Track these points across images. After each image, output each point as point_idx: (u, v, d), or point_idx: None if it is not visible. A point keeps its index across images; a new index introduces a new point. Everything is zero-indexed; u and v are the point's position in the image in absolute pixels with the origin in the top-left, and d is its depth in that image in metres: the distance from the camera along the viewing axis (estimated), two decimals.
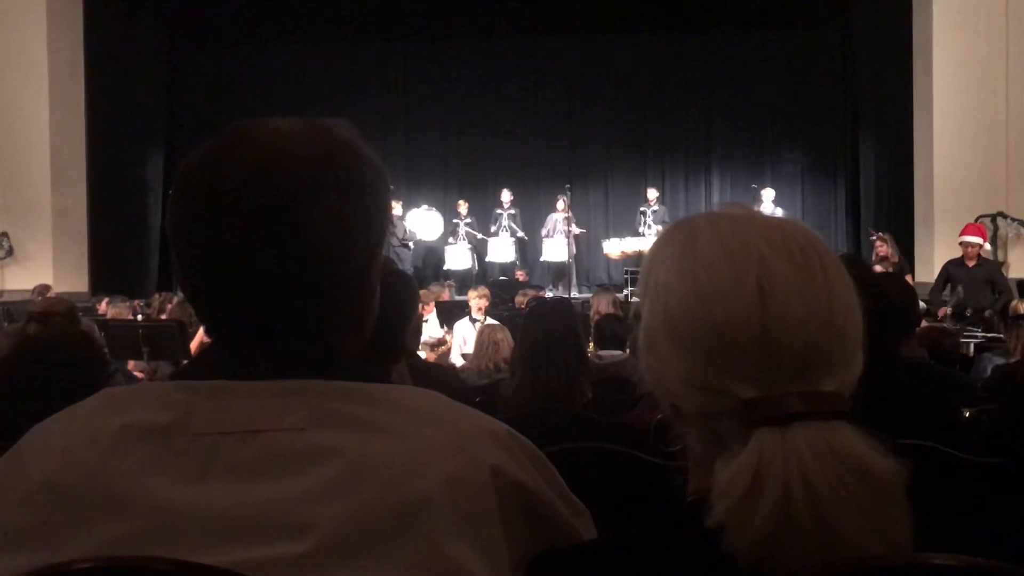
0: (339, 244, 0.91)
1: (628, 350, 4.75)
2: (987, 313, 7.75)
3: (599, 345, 4.87)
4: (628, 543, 0.89)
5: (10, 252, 11.50)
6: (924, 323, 5.32)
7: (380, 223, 0.97)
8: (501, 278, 12.63)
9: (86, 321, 6.41)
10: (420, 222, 13.13)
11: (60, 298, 6.61)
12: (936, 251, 10.28)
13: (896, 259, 9.27)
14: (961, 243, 8.55)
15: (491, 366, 5.04)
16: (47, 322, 3.92)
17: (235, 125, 0.94)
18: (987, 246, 8.76)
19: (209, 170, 0.91)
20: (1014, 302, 5.51)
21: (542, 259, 13.24)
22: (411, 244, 12.83)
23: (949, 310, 8.11)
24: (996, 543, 0.85)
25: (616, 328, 4.88)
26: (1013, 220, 10.46)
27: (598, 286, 11.54)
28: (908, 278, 7.45)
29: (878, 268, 8.22)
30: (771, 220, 0.91)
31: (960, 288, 8.41)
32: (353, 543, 0.80)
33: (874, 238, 9.92)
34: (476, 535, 0.84)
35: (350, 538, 0.81)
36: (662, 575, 0.85)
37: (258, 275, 0.89)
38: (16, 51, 11.44)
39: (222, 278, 0.90)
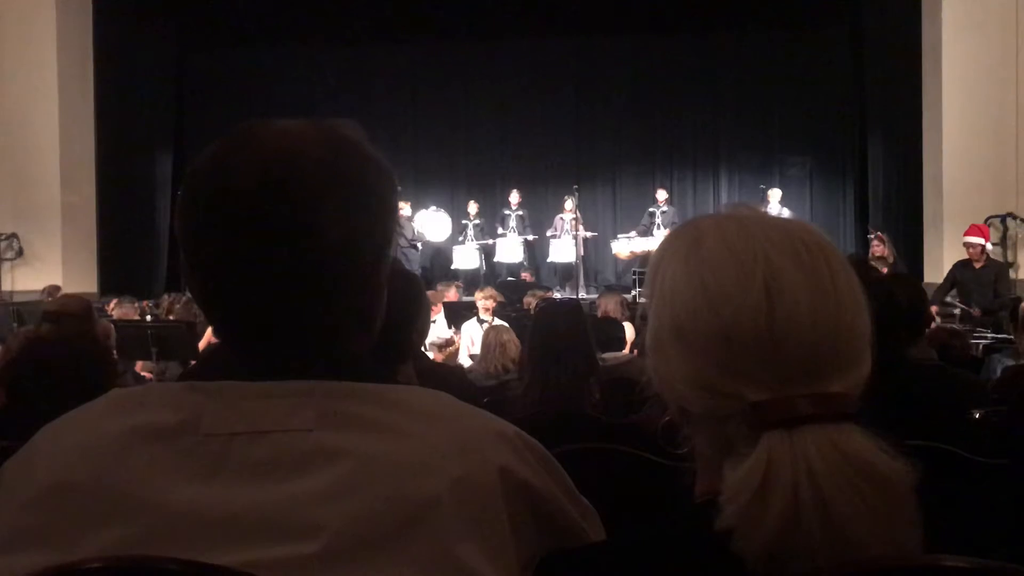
0: (347, 245, 0.91)
1: (635, 351, 4.75)
2: (974, 311, 7.74)
3: (601, 348, 4.86)
4: (637, 545, 0.89)
5: (20, 253, 11.54)
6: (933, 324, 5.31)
7: (387, 224, 0.97)
8: (509, 279, 12.63)
9: (103, 322, 6.43)
10: (428, 223, 13.14)
11: (75, 297, 6.59)
12: (945, 252, 10.24)
13: (892, 259, 9.27)
14: (964, 244, 8.56)
15: (499, 368, 5.04)
16: (60, 322, 3.92)
17: (242, 127, 0.94)
18: (989, 246, 8.73)
19: (217, 172, 0.91)
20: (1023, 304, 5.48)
21: (549, 260, 13.24)
22: (419, 245, 12.84)
23: (939, 308, 8.12)
24: (1006, 544, 0.85)
25: (611, 331, 4.86)
26: (1023, 221, 10.42)
27: (605, 287, 11.54)
28: None
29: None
30: (777, 221, 0.91)
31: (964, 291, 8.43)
32: (361, 543, 0.81)
33: (871, 236, 9.93)
34: (484, 536, 0.84)
35: (358, 538, 0.81)
36: None
37: (266, 276, 0.89)
38: (26, 52, 11.48)
39: (230, 280, 0.90)
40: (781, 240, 0.87)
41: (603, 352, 4.70)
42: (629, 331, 6.07)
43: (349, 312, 0.95)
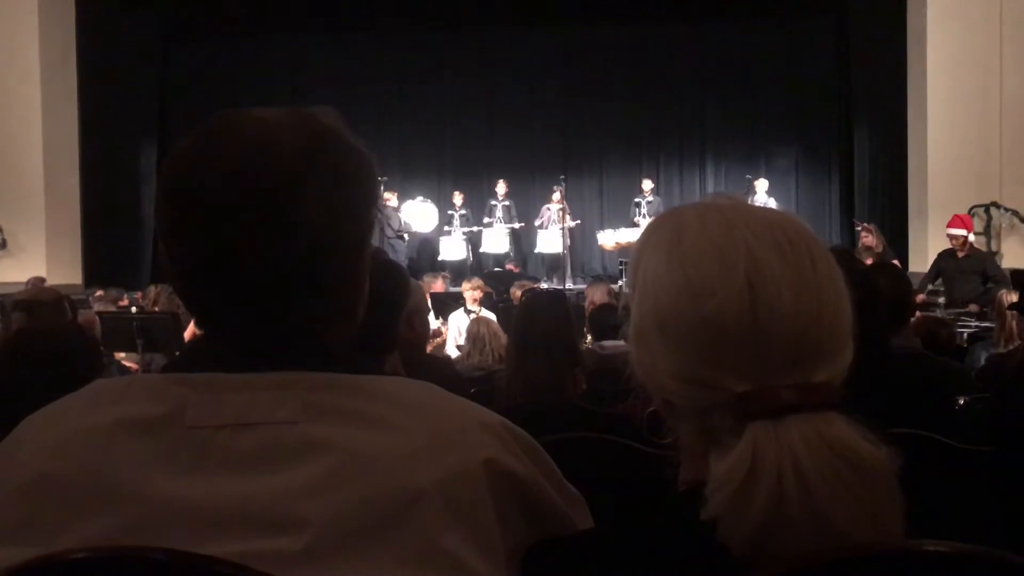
0: (328, 233, 0.90)
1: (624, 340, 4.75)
2: (971, 307, 7.80)
3: (596, 336, 4.86)
4: (623, 534, 0.90)
5: (3, 244, 11.46)
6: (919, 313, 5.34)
7: (368, 211, 0.96)
8: (495, 269, 12.62)
9: (88, 313, 6.39)
10: (415, 214, 13.12)
11: (47, 287, 6.57)
12: (930, 242, 10.30)
13: (880, 249, 9.33)
14: (947, 235, 8.62)
15: (489, 359, 5.05)
16: (32, 311, 3.88)
17: (218, 116, 0.93)
18: (971, 237, 8.79)
19: (194, 162, 0.90)
20: (1002, 292, 5.52)
21: (536, 250, 13.24)
22: (406, 236, 12.82)
23: (924, 296, 8.19)
24: (988, 530, 0.86)
25: (610, 317, 4.87)
26: (1007, 210, 10.49)
27: (592, 277, 11.55)
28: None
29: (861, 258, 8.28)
30: (759, 211, 0.91)
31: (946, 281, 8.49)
32: (347, 537, 0.81)
33: (859, 228, 10.00)
34: (470, 526, 0.84)
35: (344, 532, 0.81)
36: (657, 566, 0.86)
37: (247, 267, 0.88)
38: (8, 43, 11.38)
39: (210, 271, 0.89)
40: (763, 231, 0.87)
41: (600, 340, 4.72)
42: None
43: (331, 302, 0.94)
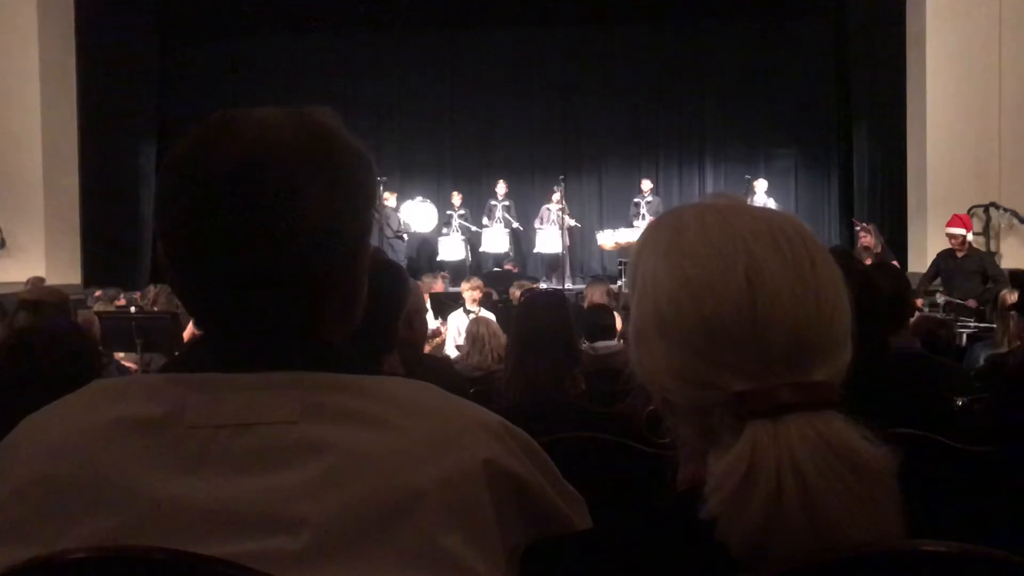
0: (327, 233, 0.90)
1: (620, 340, 4.76)
2: (969, 303, 7.81)
3: (590, 337, 4.85)
4: (623, 533, 0.90)
5: (2, 244, 11.46)
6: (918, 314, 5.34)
7: (367, 211, 0.96)
8: (495, 269, 12.62)
9: (87, 313, 6.39)
10: (415, 214, 13.12)
11: (53, 288, 6.56)
12: (929, 241, 10.30)
13: (879, 249, 9.34)
14: (946, 234, 8.63)
15: (488, 359, 5.04)
16: (38, 310, 3.88)
17: (218, 116, 0.93)
18: (970, 236, 8.79)
19: (194, 162, 0.90)
20: (1004, 292, 5.52)
21: (536, 251, 13.24)
22: (405, 236, 12.82)
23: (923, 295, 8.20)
24: (987, 530, 0.86)
25: (604, 318, 4.86)
26: (1006, 210, 10.49)
27: (592, 277, 11.55)
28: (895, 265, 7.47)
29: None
30: (757, 211, 0.91)
31: (947, 280, 8.49)
32: (346, 537, 0.81)
33: (858, 228, 10.01)
34: (470, 527, 0.84)
35: (343, 532, 0.81)
36: (656, 565, 0.86)
37: (245, 267, 0.88)
38: (7, 41, 11.37)
39: (209, 270, 0.90)
40: (762, 231, 0.87)
41: (594, 341, 4.71)
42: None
43: (330, 301, 0.94)
